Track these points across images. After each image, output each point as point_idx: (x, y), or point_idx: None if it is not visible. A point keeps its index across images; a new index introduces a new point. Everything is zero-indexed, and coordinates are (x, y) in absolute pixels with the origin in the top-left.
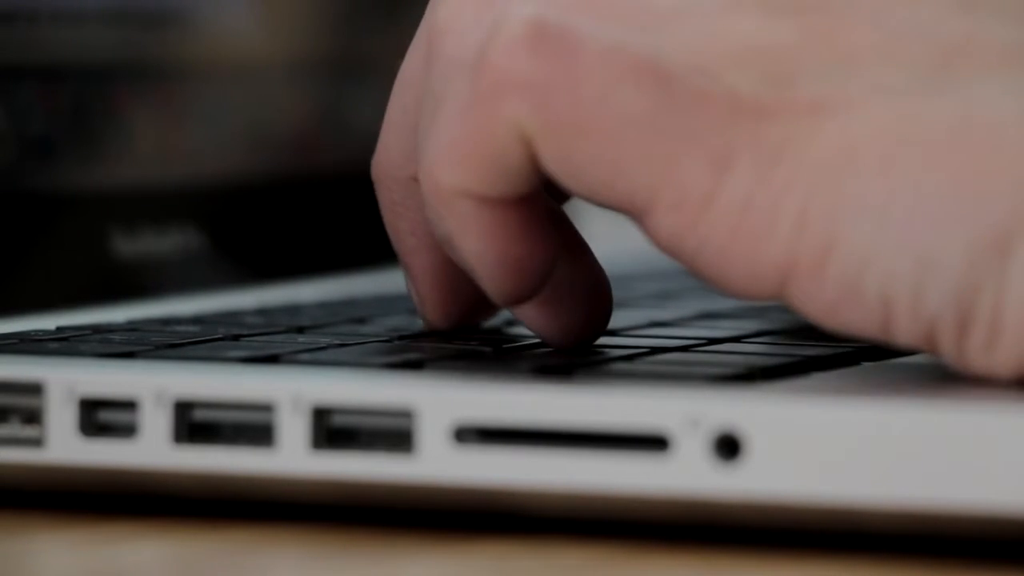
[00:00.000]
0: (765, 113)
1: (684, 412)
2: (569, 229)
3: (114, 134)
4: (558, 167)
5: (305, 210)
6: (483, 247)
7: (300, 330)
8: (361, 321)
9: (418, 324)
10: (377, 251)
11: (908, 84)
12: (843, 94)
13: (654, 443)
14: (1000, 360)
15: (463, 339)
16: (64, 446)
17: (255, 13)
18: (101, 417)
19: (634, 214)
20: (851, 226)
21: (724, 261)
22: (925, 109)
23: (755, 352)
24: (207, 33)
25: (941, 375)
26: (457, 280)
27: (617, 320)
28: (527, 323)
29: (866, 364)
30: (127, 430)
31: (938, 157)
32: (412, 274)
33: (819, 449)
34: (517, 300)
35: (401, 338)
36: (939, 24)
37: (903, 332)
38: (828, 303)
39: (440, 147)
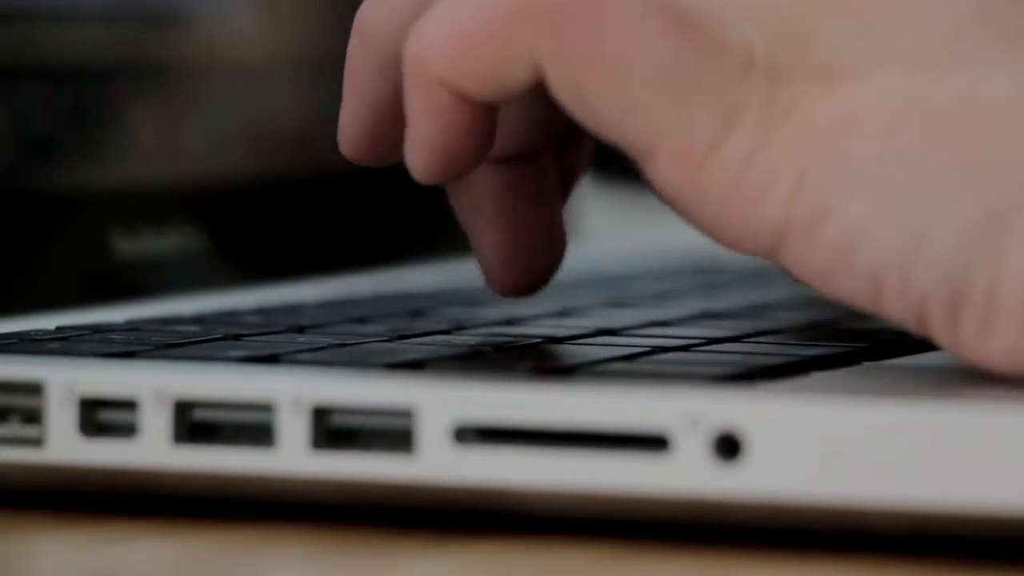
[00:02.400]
0: (778, 75)
1: (684, 412)
2: (549, 175)
3: (114, 134)
4: (568, 96)
5: (305, 210)
6: (435, 133)
7: (300, 330)
8: (361, 321)
9: (418, 324)
10: (377, 251)
11: (920, 55)
12: (855, 60)
13: (654, 443)
14: (994, 341)
15: (463, 339)
16: (64, 446)
17: (255, 13)
18: (101, 417)
19: (638, 155)
20: (847, 194)
21: (721, 214)
22: (933, 82)
23: (755, 352)
24: (207, 33)
25: (941, 375)
26: (522, 252)
27: (617, 320)
28: (478, 247)
29: (866, 364)
30: (127, 430)
31: (938, 132)
32: (476, 246)
33: (819, 449)
34: (430, 180)
35: (401, 338)
36: (957, 4)
37: (893, 308)
38: (819, 268)
39: (442, 33)
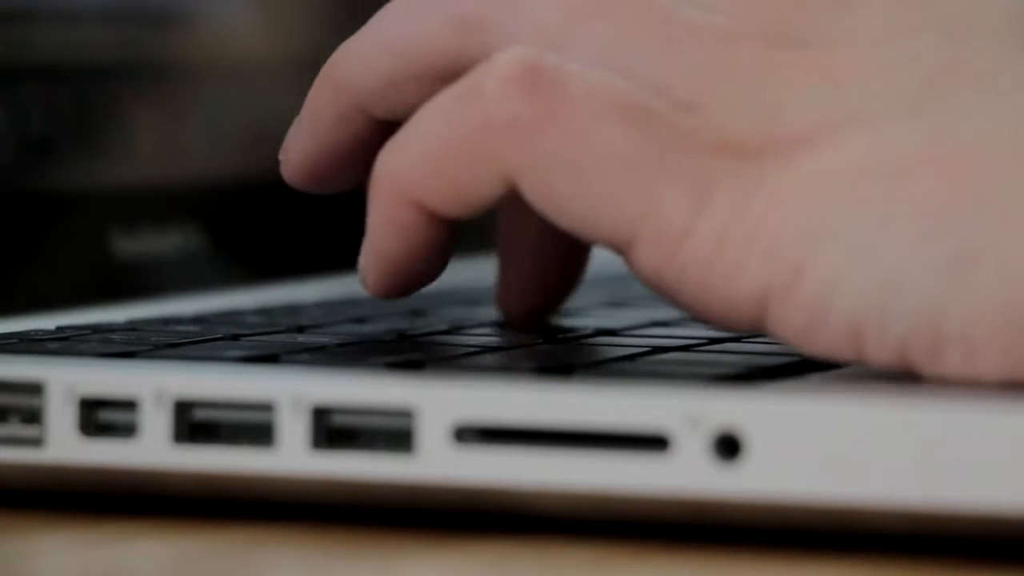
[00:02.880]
0: (749, 151)
1: (684, 412)
2: None
3: (114, 134)
4: (543, 202)
5: (305, 210)
6: (395, 251)
7: (300, 330)
8: (361, 321)
9: (418, 324)
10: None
11: (887, 108)
12: (826, 124)
13: (654, 443)
14: (981, 373)
15: (463, 339)
16: (64, 446)
17: (255, 13)
18: (101, 417)
19: (619, 248)
20: (819, 251)
21: (702, 293)
22: (899, 132)
23: (755, 352)
24: (207, 33)
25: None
26: (546, 284)
27: (617, 320)
28: (507, 271)
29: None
30: (127, 430)
31: (905, 177)
32: (505, 270)
33: (819, 449)
34: (381, 295)
35: (401, 338)
36: (930, 50)
37: (876, 354)
38: (800, 328)
39: (411, 154)
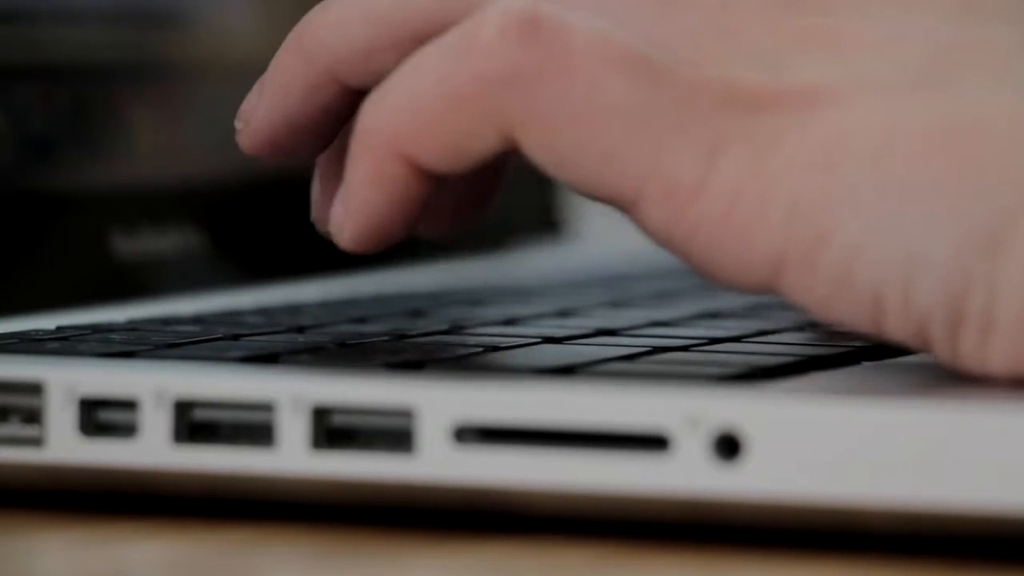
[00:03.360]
0: (759, 103)
1: (684, 412)
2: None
3: (114, 134)
4: (544, 157)
5: (305, 210)
6: (377, 204)
7: (300, 330)
8: (361, 321)
9: (418, 324)
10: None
11: (899, 79)
12: (837, 85)
13: (654, 443)
14: (993, 358)
15: (463, 339)
16: (64, 446)
17: (255, 13)
18: (101, 417)
19: (623, 205)
20: (842, 219)
21: (715, 251)
22: (915, 104)
23: (755, 352)
24: (207, 33)
25: (941, 375)
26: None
27: (617, 320)
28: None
29: (866, 364)
30: (127, 430)
31: (929, 152)
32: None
33: (819, 449)
34: (355, 249)
35: (401, 338)
36: (939, 28)
37: (895, 328)
38: (820, 295)
39: (400, 105)
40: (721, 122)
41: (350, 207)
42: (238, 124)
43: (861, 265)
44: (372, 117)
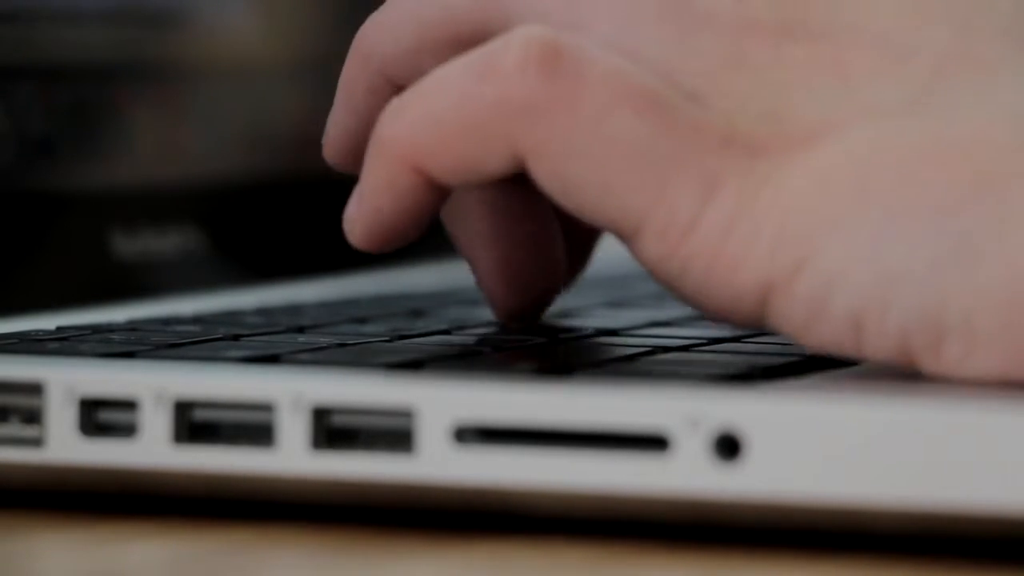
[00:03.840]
0: (757, 148)
1: (684, 412)
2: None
3: (114, 134)
4: (550, 185)
5: (305, 210)
6: (387, 210)
7: (300, 330)
8: (361, 321)
9: (418, 324)
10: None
11: (895, 104)
12: (833, 120)
13: (654, 443)
14: (979, 368)
15: (463, 339)
16: (64, 446)
17: (255, 13)
18: (101, 417)
19: (623, 236)
20: (822, 245)
21: (706, 284)
22: (904, 128)
23: (755, 352)
24: (207, 33)
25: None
26: (521, 273)
27: (617, 320)
28: (478, 273)
29: (866, 364)
30: (127, 430)
31: (909, 175)
32: (475, 268)
33: (819, 449)
34: (364, 249)
35: (401, 338)
36: (938, 42)
37: (875, 348)
38: (800, 321)
39: (419, 118)
40: (720, 162)
41: (362, 209)
42: (323, 140)
43: (838, 290)
44: (390, 127)
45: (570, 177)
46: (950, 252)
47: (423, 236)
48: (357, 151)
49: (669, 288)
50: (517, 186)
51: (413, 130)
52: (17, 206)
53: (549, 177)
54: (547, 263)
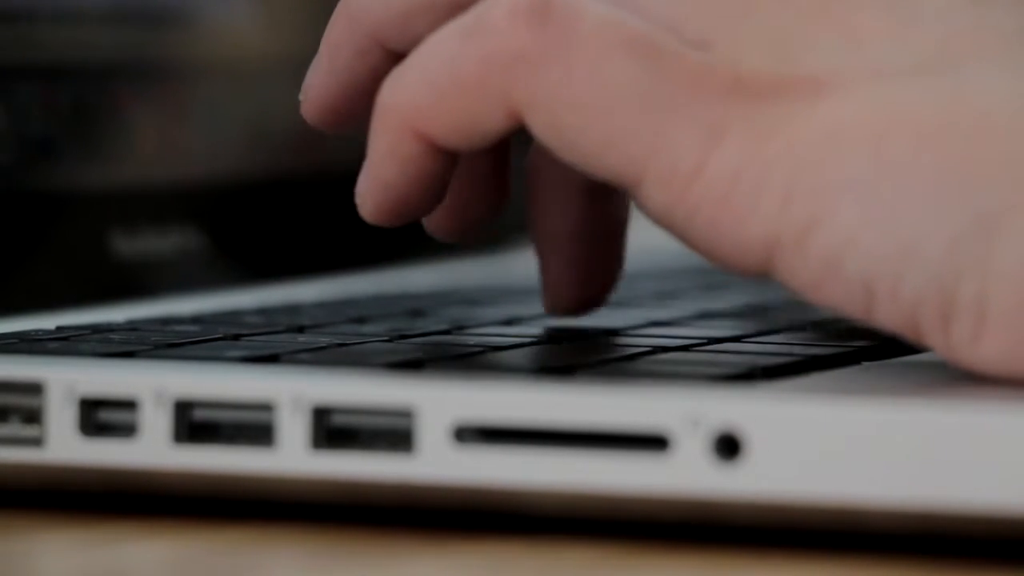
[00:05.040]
0: (763, 91)
1: (684, 412)
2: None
3: (114, 134)
4: (549, 137)
5: (305, 210)
6: (395, 180)
7: (300, 330)
8: (361, 321)
9: (418, 324)
10: (377, 251)
11: (906, 67)
12: (841, 74)
13: (654, 443)
14: (985, 349)
15: (463, 339)
16: (64, 446)
17: (255, 13)
18: (101, 417)
19: (626, 185)
20: (835, 204)
21: (712, 233)
22: (918, 92)
23: (755, 352)
24: (207, 33)
25: (941, 375)
26: (592, 269)
27: (617, 320)
28: (550, 262)
29: (866, 364)
30: (127, 430)
31: (926, 141)
32: (547, 261)
33: (819, 449)
34: (377, 222)
35: (401, 338)
36: (947, 13)
37: (885, 316)
38: (811, 279)
39: (414, 83)
40: (724, 108)
41: (370, 183)
42: (301, 98)
43: (852, 253)
44: (388, 94)
45: (568, 128)
46: (969, 229)
47: (435, 208)
48: (339, 112)
49: (677, 237)
50: (611, 192)
51: (410, 95)
52: (17, 206)
53: (547, 130)
54: (612, 261)
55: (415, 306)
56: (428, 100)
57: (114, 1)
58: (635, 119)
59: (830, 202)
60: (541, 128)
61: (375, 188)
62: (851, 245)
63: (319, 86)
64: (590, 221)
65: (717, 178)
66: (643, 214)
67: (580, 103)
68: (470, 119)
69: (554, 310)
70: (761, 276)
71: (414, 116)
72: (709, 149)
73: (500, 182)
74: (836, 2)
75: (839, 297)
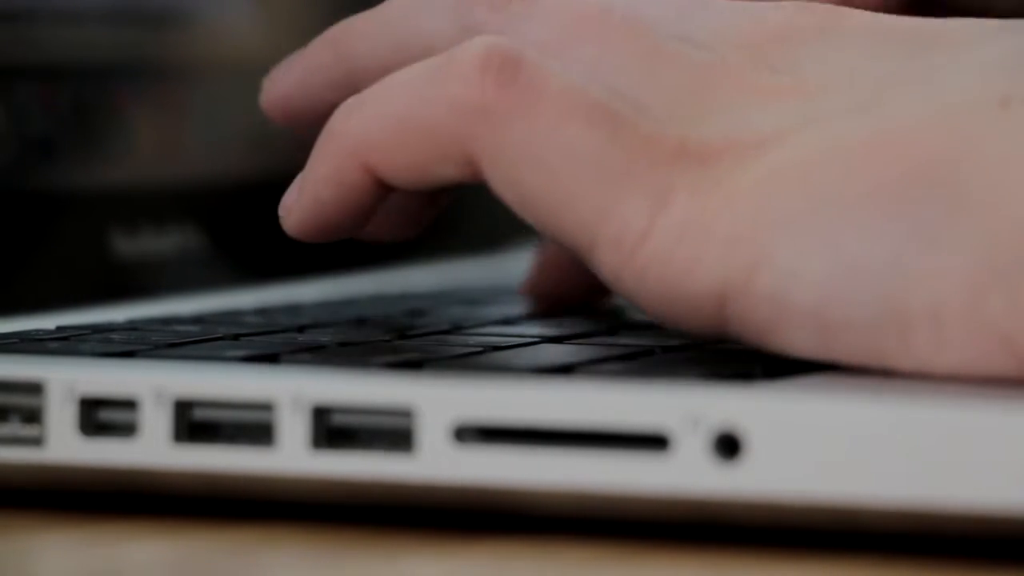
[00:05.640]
0: (709, 157)
1: (684, 411)
2: None
3: (114, 134)
4: (506, 193)
5: None
6: (329, 203)
7: (300, 330)
8: (361, 321)
9: (418, 324)
10: (377, 251)
11: (843, 111)
12: (786, 128)
13: (654, 442)
14: (951, 356)
15: (463, 339)
16: (64, 445)
17: (255, 13)
18: (101, 416)
19: (579, 249)
20: (776, 243)
21: (662, 290)
22: (847, 126)
23: (755, 352)
24: (207, 33)
25: (941, 375)
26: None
27: (616, 320)
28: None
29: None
30: (127, 429)
31: (856, 167)
32: (542, 252)
33: (819, 448)
34: (296, 237)
35: (401, 338)
36: (890, 60)
37: (844, 347)
38: (763, 321)
39: (377, 118)
40: (671, 173)
41: (302, 198)
42: (264, 85)
43: (797, 286)
44: (344, 122)
45: (526, 186)
46: (907, 240)
47: (359, 230)
48: (294, 114)
49: (631, 300)
50: None
51: (367, 127)
52: (17, 206)
53: (505, 185)
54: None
55: (415, 306)
56: (383, 136)
57: (114, 1)
58: (588, 184)
59: (770, 240)
60: (499, 183)
61: (306, 205)
62: (794, 278)
63: (283, 86)
64: None
65: (663, 238)
66: (600, 278)
67: (538, 163)
68: (422, 162)
69: (531, 297)
70: (715, 332)
71: (365, 148)
72: (655, 212)
73: (416, 219)
74: (787, 77)
75: (795, 336)
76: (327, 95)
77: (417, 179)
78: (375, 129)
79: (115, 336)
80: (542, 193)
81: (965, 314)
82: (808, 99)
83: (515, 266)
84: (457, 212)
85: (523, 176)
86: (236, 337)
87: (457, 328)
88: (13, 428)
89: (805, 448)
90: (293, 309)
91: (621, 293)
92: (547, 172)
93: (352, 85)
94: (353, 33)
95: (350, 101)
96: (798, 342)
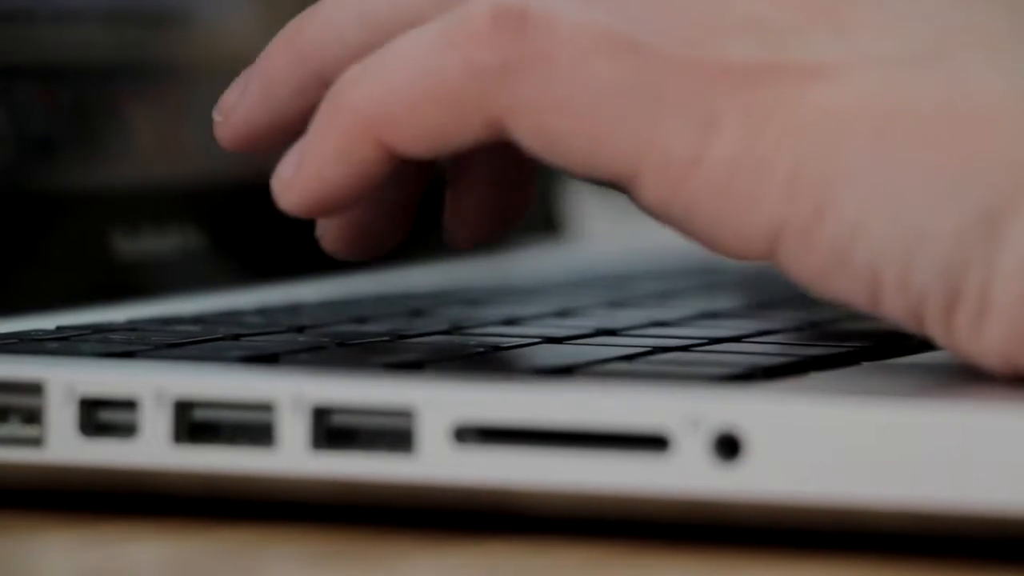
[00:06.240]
0: (755, 76)
1: (684, 412)
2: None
3: (114, 134)
4: (536, 144)
5: None
6: (335, 180)
7: (300, 330)
8: (361, 321)
9: (418, 324)
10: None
11: (900, 56)
12: (834, 60)
13: (654, 443)
14: (986, 340)
15: (463, 339)
16: (64, 446)
17: (255, 13)
18: (101, 417)
19: (621, 183)
20: (843, 193)
21: (713, 223)
22: (914, 81)
23: (755, 352)
24: (207, 33)
25: (941, 375)
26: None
27: (617, 320)
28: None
29: (866, 364)
30: (127, 430)
31: (929, 131)
32: (453, 198)
33: (819, 449)
34: (295, 214)
35: (401, 338)
36: (937, 12)
37: (891, 305)
38: (817, 268)
39: (386, 89)
40: (715, 96)
41: (303, 174)
42: (217, 117)
43: (861, 241)
44: (350, 95)
45: (555, 132)
46: (974, 222)
47: (358, 204)
48: (261, 140)
49: (676, 229)
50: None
51: (378, 100)
52: (17, 206)
53: (533, 135)
54: (519, 204)
55: (415, 306)
56: (397, 108)
57: (114, 1)
58: (623, 116)
59: (836, 190)
60: (526, 135)
61: (308, 182)
62: (860, 234)
63: (246, 113)
64: (508, 167)
65: (715, 169)
66: (639, 208)
67: (563, 106)
68: (442, 130)
69: (454, 243)
70: (763, 261)
71: (378, 123)
72: (704, 139)
73: (405, 216)
74: (826, 4)
75: (845, 287)
76: (296, 103)
77: (436, 148)
78: (388, 103)
79: (115, 336)
80: (573, 134)
81: (1010, 306)
82: (848, 34)
83: (515, 266)
84: None
85: (551, 123)
86: (236, 337)
87: (457, 328)
88: (13, 428)
89: (805, 449)
90: (293, 309)
91: (666, 222)
92: (575, 114)
93: (322, 84)
94: (313, 24)
95: (352, 73)
96: (848, 293)
